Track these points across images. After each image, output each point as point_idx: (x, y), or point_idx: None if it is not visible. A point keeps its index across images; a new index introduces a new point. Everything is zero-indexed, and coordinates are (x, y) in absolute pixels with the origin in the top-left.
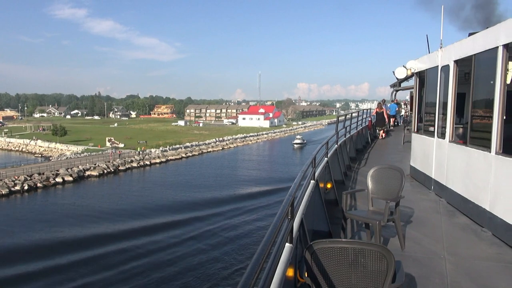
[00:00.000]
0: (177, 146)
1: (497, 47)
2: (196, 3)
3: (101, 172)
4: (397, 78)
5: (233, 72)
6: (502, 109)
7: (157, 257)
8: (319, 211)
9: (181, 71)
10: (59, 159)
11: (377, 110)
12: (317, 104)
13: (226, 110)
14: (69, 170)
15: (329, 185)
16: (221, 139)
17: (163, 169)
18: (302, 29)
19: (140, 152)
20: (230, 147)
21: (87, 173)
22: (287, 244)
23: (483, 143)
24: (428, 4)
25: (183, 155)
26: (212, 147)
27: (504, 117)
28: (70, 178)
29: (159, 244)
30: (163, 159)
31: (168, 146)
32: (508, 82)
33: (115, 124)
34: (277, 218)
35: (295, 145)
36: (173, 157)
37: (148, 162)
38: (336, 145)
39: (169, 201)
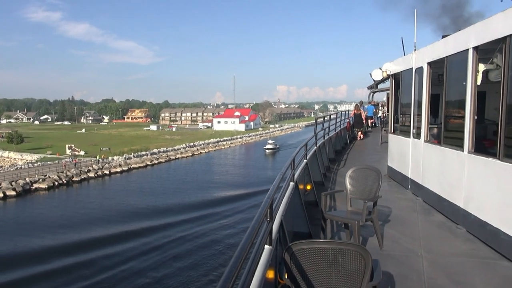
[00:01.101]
0: (143, 152)
1: (468, 49)
2: (174, 7)
3: (51, 184)
4: (374, 80)
5: (213, 75)
6: (474, 109)
7: (119, 270)
8: (298, 213)
9: (159, 74)
10: (8, 169)
11: (355, 111)
12: (296, 106)
13: (203, 114)
14: (14, 183)
15: (308, 187)
16: (191, 144)
17: (124, 179)
18: (282, 32)
19: (100, 160)
20: (201, 153)
21: (35, 185)
22: (266, 246)
23: (456, 142)
24: (397, 4)
25: (148, 163)
26: (182, 153)
27: (476, 117)
28: (13, 193)
29: (125, 255)
30: (125, 168)
31: (132, 153)
32: (479, 83)
33: (83, 130)
34: (255, 220)
35: (267, 151)
36: (136, 165)
37: (107, 172)
38: (315, 147)
39: (125, 211)
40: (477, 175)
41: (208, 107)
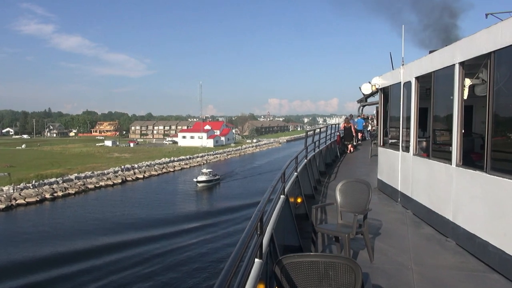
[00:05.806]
0: (53, 179)
1: (454, 64)
2: (168, 20)
3: None
4: (363, 94)
5: (205, 88)
6: (461, 123)
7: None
8: (289, 226)
9: (150, 87)
10: None
11: (345, 125)
12: (281, 119)
13: (176, 127)
14: None
15: (299, 200)
16: (128, 166)
17: None
18: (277, 47)
19: None
20: (137, 178)
21: None
22: (256, 260)
23: (445, 155)
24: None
25: (47, 196)
26: (108, 179)
27: (463, 131)
28: None
29: None
30: (3, 205)
31: (33, 181)
32: (465, 97)
33: (23, 146)
34: (245, 234)
35: (199, 184)
36: (25, 200)
37: None
38: (305, 160)
39: None
40: (465, 188)
41: (193, 119)
